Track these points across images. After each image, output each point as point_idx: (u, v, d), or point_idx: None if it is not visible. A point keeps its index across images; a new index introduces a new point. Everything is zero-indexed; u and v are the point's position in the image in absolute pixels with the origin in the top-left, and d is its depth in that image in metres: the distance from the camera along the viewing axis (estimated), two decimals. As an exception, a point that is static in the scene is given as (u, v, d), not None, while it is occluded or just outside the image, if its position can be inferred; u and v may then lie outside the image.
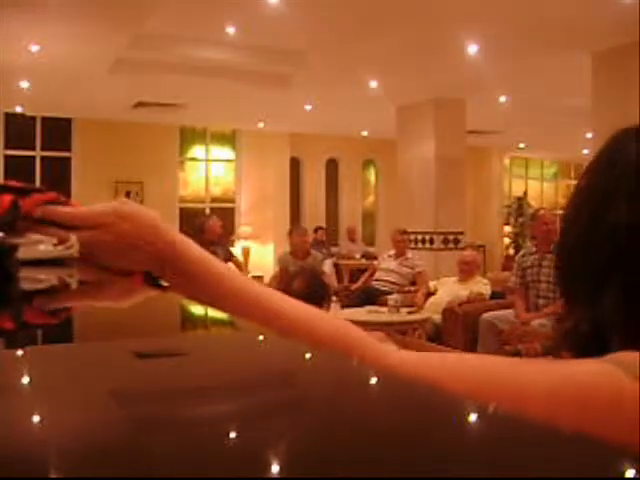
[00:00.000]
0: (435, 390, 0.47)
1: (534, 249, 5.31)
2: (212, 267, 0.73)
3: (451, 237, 8.78)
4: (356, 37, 6.34)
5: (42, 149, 10.57)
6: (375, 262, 7.61)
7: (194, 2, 5.74)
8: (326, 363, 0.53)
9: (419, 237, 8.84)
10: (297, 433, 0.34)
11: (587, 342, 0.74)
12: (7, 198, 0.77)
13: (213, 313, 0.72)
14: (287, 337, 0.67)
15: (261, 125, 11.25)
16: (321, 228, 11.29)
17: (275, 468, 0.29)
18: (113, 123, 10.37)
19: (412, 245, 8.19)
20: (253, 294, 0.72)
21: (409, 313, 5.80)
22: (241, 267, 6.96)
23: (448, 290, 6.13)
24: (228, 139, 12.13)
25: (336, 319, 0.72)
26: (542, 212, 5.71)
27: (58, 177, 10.47)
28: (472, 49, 6.63)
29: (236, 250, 9.90)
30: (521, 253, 5.62)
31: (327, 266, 8.93)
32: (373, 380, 0.48)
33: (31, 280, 0.77)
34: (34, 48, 6.51)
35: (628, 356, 0.65)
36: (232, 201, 12.12)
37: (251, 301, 0.72)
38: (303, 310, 0.72)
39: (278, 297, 0.72)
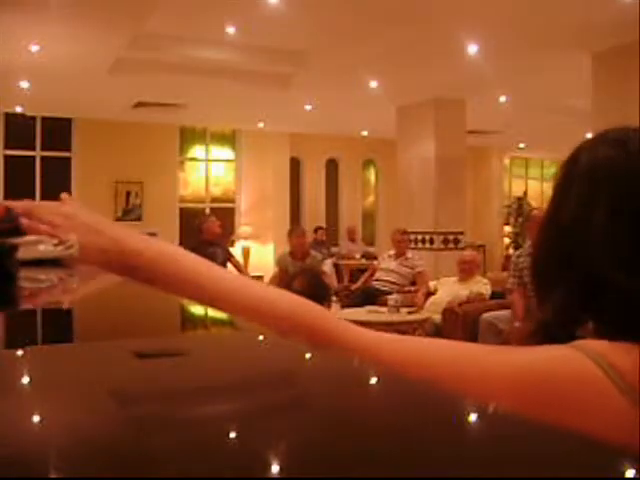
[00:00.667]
0: (431, 389, 0.47)
1: (530, 249, 5.30)
2: (164, 253, 0.75)
3: (451, 237, 8.77)
4: (356, 37, 6.34)
5: (42, 149, 10.56)
6: (375, 262, 7.61)
7: (194, 2, 5.73)
8: (325, 363, 0.53)
9: (419, 237, 8.84)
10: (296, 432, 0.34)
11: (552, 338, 0.75)
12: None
13: (213, 313, 0.72)
14: (245, 315, 0.68)
15: (261, 125, 11.24)
16: (321, 228, 11.28)
17: (275, 467, 0.29)
18: (113, 123, 10.36)
19: (412, 245, 8.18)
20: (204, 274, 0.73)
21: (409, 313, 5.80)
22: (240, 268, 6.95)
23: (448, 290, 6.13)
24: (228, 139, 12.13)
25: (299, 298, 0.73)
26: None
27: (58, 177, 10.47)
28: (472, 49, 6.62)
29: (236, 250, 9.91)
30: (517, 253, 5.61)
31: (327, 266, 8.94)
32: (372, 380, 0.48)
33: (31, 280, 0.77)
34: (34, 48, 6.51)
35: (592, 343, 0.68)
36: (232, 201, 12.12)
37: (202, 281, 0.72)
38: (261, 288, 0.73)
39: (233, 277, 0.74)
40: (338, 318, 0.70)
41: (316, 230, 10.99)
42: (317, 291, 3.17)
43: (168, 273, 0.72)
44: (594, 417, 0.65)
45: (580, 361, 0.66)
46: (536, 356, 0.70)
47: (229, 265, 6.59)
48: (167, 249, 0.76)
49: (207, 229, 6.66)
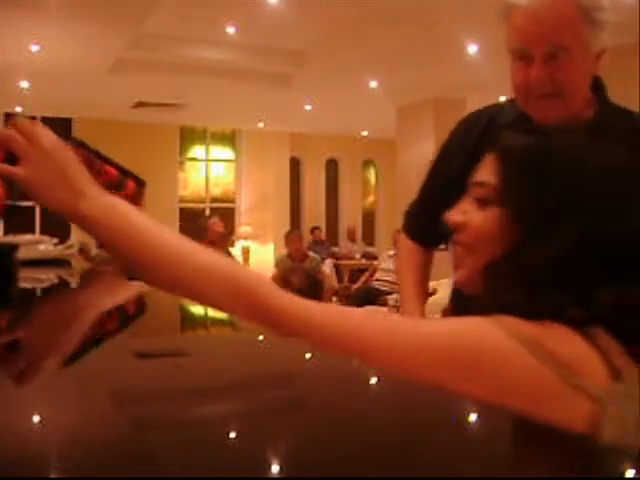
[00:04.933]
0: (431, 389, 0.47)
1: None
2: (116, 208, 0.79)
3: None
4: (356, 37, 6.34)
5: (42, 149, 10.54)
6: (375, 262, 7.61)
7: (194, 2, 5.73)
8: (325, 363, 0.53)
9: (419, 237, 8.82)
10: (296, 432, 0.34)
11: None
12: (131, 184, 0.88)
13: (213, 313, 0.72)
14: (165, 265, 0.71)
15: (261, 125, 11.24)
16: (317, 228, 11.26)
17: (275, 467, 0.29)
18: (113, 123, 10.36)
19: (412, 245, 8.16)
20: (149, 233, 0.77)
21: (409, 313, 5.79)
22: None
23: (448, 290, 6.12)
24: (228, 139, 12.12)
25: (239, 266, 0.79)
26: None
27: (58, 177, 10.45)
28: (472, 49, 6.62)
29: (236, 250, 9.90)
30: None
31: (327, 266, 8.93)
32: (372, 380, 0.48)
33: (31, 280, 0.77)
34: (34, 48, 6.51)
35: (507, 319, 0.71)
36: (232, 201, 12.11)
37: (131, 232, 0.76)
38: (185, 241, 0.78)
39: (161, 228, 0.78)
40: (273, 285, 0.74)
41: (312, 231, 10.97)
42: (311, 288, 3.18)
43: (113, 226, 0.76)
44: (516, 387, 0.68)
45: (497, 332, 0.69)
46: (461, 326, 0.73)
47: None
48: (120, 206, 0.80)
49: (210, 229, 6.69)
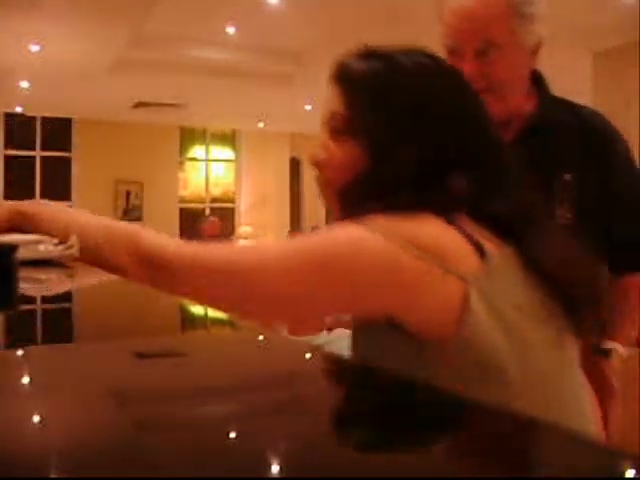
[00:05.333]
0: (429, 390, 0.47)
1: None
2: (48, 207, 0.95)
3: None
4: (356, 37, 6.33)
5: (42, 149, 10.56)
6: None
7: (194, 2, 5.73)
8: (325, 363, 0.53)
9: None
10: (296, 432, 0.34)
11: None
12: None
13: (212, 313, 0.72)
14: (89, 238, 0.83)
15: (261, 125, 11.24)
16: (317, 228, 11.27)
17: (275, 467, 0.29)
18: (113, 123, 10.36)
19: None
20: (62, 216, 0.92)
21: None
22: None
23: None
24: (228, 139, 12.12)
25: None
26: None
27: (58, 177, 10.47)
28: (472, 49, 6.62)
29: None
30: None
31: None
32: (372, 380, 0.48)
33: (31, 280, 0.77)
34: (34, 48, 6.51)
35: (381, 220, 0.75)
36: (232, 201, 12.11)
37: (60, 219, 0.90)
38: (99, 218, 0.94)
39: (94, 219, 0.93)
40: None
41: (313, 230, 10.99)
42: None
43: (44, 218, 0.90)
44: (396, 284, 0.73)
45: (377, 240, 0.73)
46: (335, 236, 0.78)
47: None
48: (53, 206, 0.96)
49: (207, 229, 6.72)
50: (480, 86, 1.29)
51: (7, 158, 10.31)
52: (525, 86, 1.33)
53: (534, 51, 1.30)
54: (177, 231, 11.09)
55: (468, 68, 1.28)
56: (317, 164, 0.93)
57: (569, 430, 0.36)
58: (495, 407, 0.39)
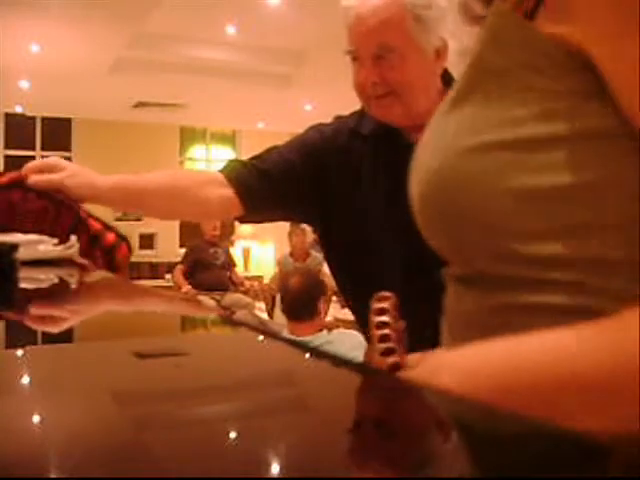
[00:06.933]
0: (429, 390, 0.47)
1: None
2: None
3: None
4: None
5: (42, 149, 10.55)
6: (375, 262, 7.62)
7: (194, 2, 5.73)
8: (325, 363, 0.53)
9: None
10: (296, 432, 0.34)
11: None
12: (111, 236, 1.02)
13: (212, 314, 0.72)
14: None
15: (261, 125, 11.24)
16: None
17: (275, 467, 0.29)
18: (113, 123, 10.36)
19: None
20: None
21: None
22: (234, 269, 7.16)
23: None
24: (228, 139, 12.13)
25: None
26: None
27: (58, 177, 10.45)
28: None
29: (235, 250, 9.90)
30: None
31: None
32: (371, 382, 0.48)
33: (31, 280, 0.77)
34: (34, 48, 6.51)
35: None
36: (232, 201, 12.11)
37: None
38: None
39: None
40: None
41: (313, 230, 10.98)
42: (313, 288, 3.20)
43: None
44: None
45: None
46: None
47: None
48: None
49: (206, 231, 6.77)
50: (380, 91, 1.29)
51: (7, 158, 10.32)
52: (433, 89, 1.32)
53: (439, 55, 1.30)
54: (177, 231, 11.09)
55: (365, 73, 1.28)
56: None
57: (569, 430, 0.35)
58: (494, 409, 0.39)
